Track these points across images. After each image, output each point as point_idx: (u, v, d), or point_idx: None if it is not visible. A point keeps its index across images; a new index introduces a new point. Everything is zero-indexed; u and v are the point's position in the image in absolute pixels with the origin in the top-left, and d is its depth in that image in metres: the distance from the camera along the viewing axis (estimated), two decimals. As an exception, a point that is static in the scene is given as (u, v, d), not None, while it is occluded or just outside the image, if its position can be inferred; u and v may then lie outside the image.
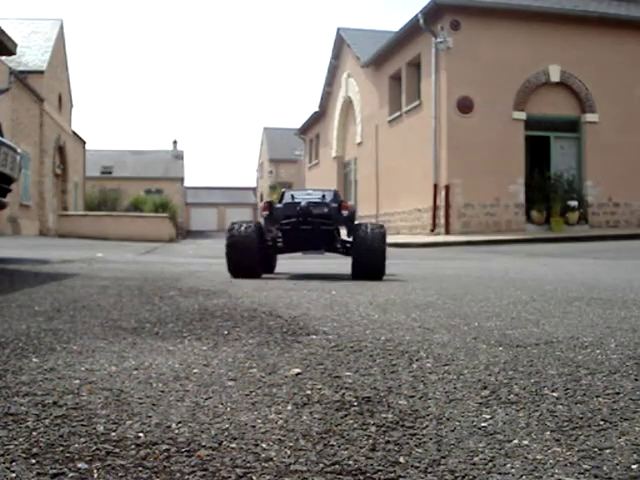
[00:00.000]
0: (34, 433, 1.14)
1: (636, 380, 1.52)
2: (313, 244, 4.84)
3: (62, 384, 1.45)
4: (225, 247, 4.53)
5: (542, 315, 2.54)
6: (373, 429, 1.20)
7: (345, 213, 4.71)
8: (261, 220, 4.93)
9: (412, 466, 1.04)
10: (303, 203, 4.64)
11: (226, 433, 1.16)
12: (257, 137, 78.41)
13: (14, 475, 0.96)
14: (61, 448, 1.08)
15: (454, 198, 15.85)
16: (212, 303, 2.86)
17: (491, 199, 16.02)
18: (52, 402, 1.31)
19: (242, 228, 4.55)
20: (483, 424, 1.22)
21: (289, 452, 1.08)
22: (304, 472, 1.01)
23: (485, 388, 1.46)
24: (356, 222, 4.80)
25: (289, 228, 4.68)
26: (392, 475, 1.00)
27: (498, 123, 16.02)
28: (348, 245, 4.78)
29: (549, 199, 16.22)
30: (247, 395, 1.40)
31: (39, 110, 22.58)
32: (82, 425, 1.19)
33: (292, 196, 4.86)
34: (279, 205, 4.81)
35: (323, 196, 4.78)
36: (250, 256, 4.50)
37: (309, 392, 1.43)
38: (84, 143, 31.96)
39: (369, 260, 4.47)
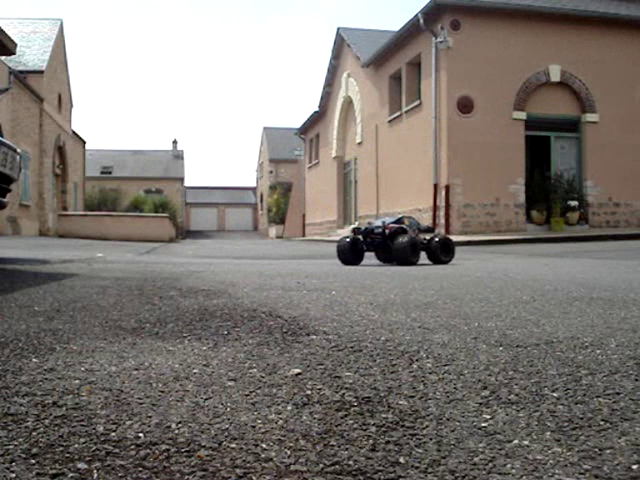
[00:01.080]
0: (34, 433, 1.14)
1: (636, 380, 1.52)
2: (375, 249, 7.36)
3: (62, 384, 1.45)
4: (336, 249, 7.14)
5: (542, 315, 2.54)
6: (373, 429, 1.20)
7: (387, 232, 6.93)
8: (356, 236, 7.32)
9: (412, 466, 1.04)
10: (369, 226, 7.26)
11: (226, 433, 1.16)
12: (257, 137, 78.45)
13: (14, 475, 0.96)
14: (61, 448, 1.07)
15: (454, 198, 15.85)
16: (212, 303, 2.86)
17: (491, 199, 16.03)
18: (52, 402, 1.31)
19: (345, 239, 7.14)
20: (483, 424, 1.22)
21: (289, 452, 1.08)
22: (304, 472, 1.01)
23: (485, 388, 1.46)
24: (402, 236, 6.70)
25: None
26: (392, 475, 1.00)
27: (498, 123, 16.03)
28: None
29: (549, 199, 16.23)
30: (247, 395, 1.40)
31: (39, 110, 22.59)
32: (82, 425, 1.18)
33: (368, 222, 7.50)
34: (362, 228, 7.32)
35: (383, 222, 7.13)
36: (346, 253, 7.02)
37: (309, 392, 1.43)
38: (84, 143, 31.98)
39: (398, 256, 6.65)
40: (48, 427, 1.17)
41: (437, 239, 6.93)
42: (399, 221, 7.13)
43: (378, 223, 7.22)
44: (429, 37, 16.35)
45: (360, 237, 7.15)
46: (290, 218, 35.42)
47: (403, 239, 6.58)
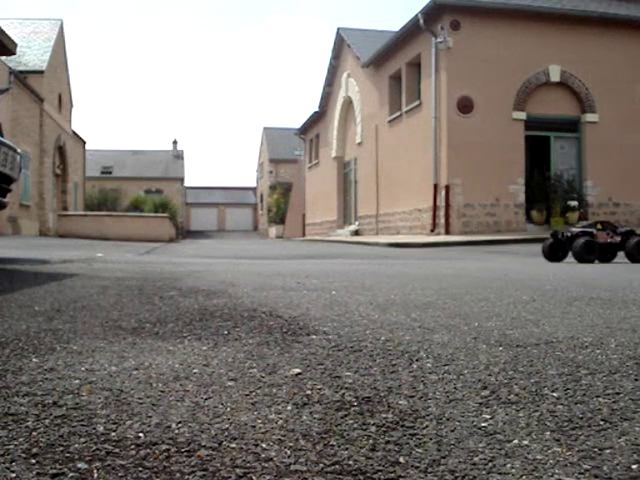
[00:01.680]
0: (34, 433, 1.14)
1: (636, 380, 1.52)
2: None
3: (62, 384, 1.45)
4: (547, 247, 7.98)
5: (542, 315, 2.54)
6: (373, 429, 1.20)
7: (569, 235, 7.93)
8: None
9: (412, 466, 1.04)
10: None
11: (226, 433, 1.16)
12: (257, 137, 78.44)
13: (14, 475, 0.96)
14: (61, 448, 1.08)
15: (454, 198, 15.85)
16: (212, 303, 2.86)
17: (491, 199, 16.03)
18: (52, 402, 1.31)
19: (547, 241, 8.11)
20: (483, 424, 1.22)
21: (289, 452, 1.08)
22: (304, 472, 1.01)
23: (485, 388, 1.46)
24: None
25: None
26: (392, 475, 1.00)
27: (498, 123, 16.03)
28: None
29: (549, 199, 16.23)
30: (247, 395, 1.40)
31: (39, 110, 22.59)
32: (82, 425, 1.19)
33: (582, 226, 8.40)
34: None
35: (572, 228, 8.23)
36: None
37: (309, 392, 1.43)
38: (84, 143, 31.97)
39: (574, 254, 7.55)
40: (48, 427, 1.17)
41: (635, 240, 7.77)
42: (589, 226, 8.11)
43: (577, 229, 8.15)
44: (429, 37, 16.35)
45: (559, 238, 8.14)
46: (290, 218, 35.42)
47: (579, 241, 7.55)
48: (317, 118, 28.62)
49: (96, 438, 1.12)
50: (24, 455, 1.04)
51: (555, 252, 7.90)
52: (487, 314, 2.58)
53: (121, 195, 40.42)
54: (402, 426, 1.22)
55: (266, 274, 4.76)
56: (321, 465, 1.03)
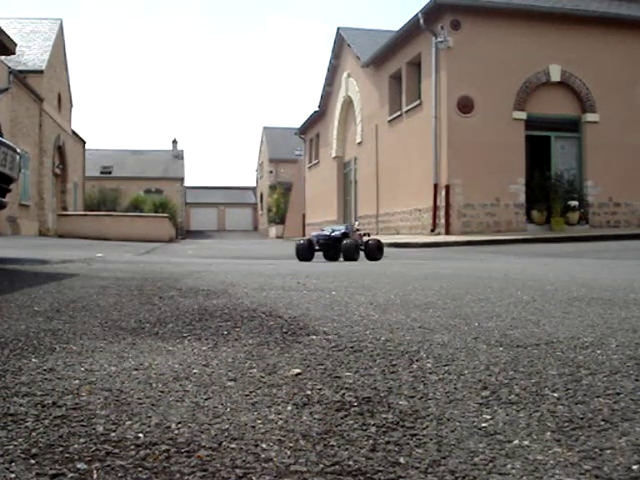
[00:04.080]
0: (33, 433, 1.14)
1: (637, 380, 1.52)
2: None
3: (61, 384, 1.45)
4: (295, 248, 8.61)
5: (543, 315, 2.54)
6: (373, 429, 1.20)
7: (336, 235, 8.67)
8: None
9: (412, 466, 1.03)
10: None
11: (226, 433, 1.16)
12: (257, 137, 78.41)
13: (13, 475, 0.96)
14: (60, 448, 1.07)
15: (454, 198, 15.85)
16: (212, 303, 2.86)
17: (491, 199, 16.02)
18: (51, 402, 1.31)
19: (301, 242, 8.77)
20: (483, 424, 1.22)
21: (289, 452, 1.08)
22: (304, 472, 1.00)
23: (485, 388, 1.46)
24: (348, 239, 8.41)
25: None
26: (392, 476, 1.00)
27: (498, 123, 16.02)
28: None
29: (549, 199, 16.22)
30: (247, 395, 1.39)
31: (38, 110, 22.58)
32: (81, 425, 1.18)
33: (321, 229, 9.12)
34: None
35: (332, 229, 8.88)
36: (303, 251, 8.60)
37: (309, 392, 1.42)
38: (84, 143, 31.96)
39: (345, 254, 8.20)
40: (48, 427, 1.17)
41: (371, 241, 8.68)
42: (346, 229, 8.97)
43: (326, 231, 8.99)
44: (429, 37, 16.34)
45: (314, 240, 8.88)
46: (290, 218, 35.42)
47: (349, 241, 8.37)
48: (317, 118, 28.61)
49: (96, 438, 1.12)
50: (23, 455, 1.04)
51: (309, 252, 8.56)
52: (487, 314, 2.57)
53: (121, 195, 40.40)
54: (402, 426, 1.21)
55: (266, 274, 4.76)
56: (321, 465, 1.03)
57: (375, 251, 8.56)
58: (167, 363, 1.68)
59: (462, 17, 15.93)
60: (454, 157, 15.81)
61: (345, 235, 8.63)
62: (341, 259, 8.51)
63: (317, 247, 8.74)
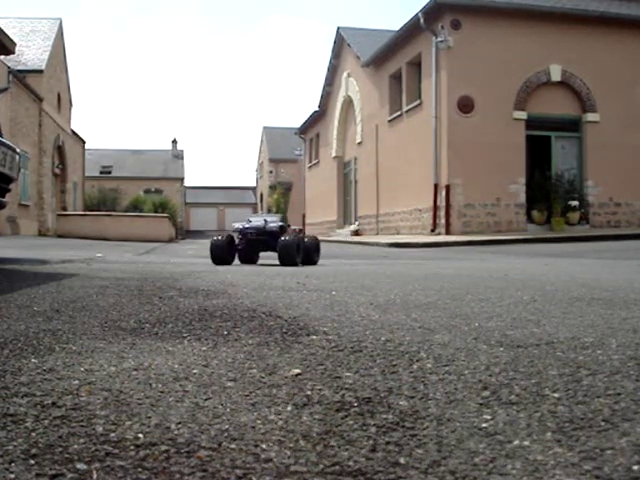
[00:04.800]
0: (33, 434, 1.14)
1: (637, 381, 1.52)
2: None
3: (61, 385, 1.45)
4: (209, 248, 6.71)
5: (543, 315, 2.54)
6: (373, 430, 1.19)
7: (273, 229, 6.74)
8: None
9: (412, 467, 1.03)
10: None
11: (226, 434, 1.16)
12: (257, 137, 78.40)
13: (13, 476, 0.96)
14: (60, 449, 1.07)
15: (454, 198, 15.85)
16: (212, 303, 2.86)
17: (492, 199, 16.02)
18: (51, 403, 1.31)
19: (219, 237, 6.76)
20: (484, 425, 1.22)
21: (289, 453, 1.08)
22: (304, 473, 1.00)
23: (486, 389, 1.46)
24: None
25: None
26: (392, 476, 1.00)
27: (499, 123, 16.02)
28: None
29: (550, 199, 16.22)
30: (247, 396, 1.39)
31: (38, 110, 22.58)
32: (81, 426, 1.18)
33: (248, 220, 7.05)
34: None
35: (265, 220, 6.81)
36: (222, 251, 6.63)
37: (309, 393, 1.42)
38: (83, 143, 31.96)
39: (285, 255, 6.24)
40: (47, 428, 1.17)
41: (308, 240, 6.73)
42: (281, 221, 6.96)
43: (258, 222, 6.84)
44: (429, 37, 16.34)
45: (236, 236, 6.81)
46: (290, 218, 35.42)
47: (288, 237, 6.27)
48: (317, 118, 28.62)
49: (95, 439, 1.12)
50: (23, 456, 1.04)
51: (229, 252, 6.70)
52: (488, 314, 2.57)
53: (120, 195, 40.41)
54: (402, 427, 1.21)
55: (266, 274, 4.76)
56: (321, 466, 1.03)
57: (312, 252, 6.67)
58: (167, 363, 1.67)
59: (462, 17, 15.93)
60: (454, 157, 15.81)
61: (282, 229, 6.71)
62: (268, 261, 6.84)
63: (240, 244, 6.74)
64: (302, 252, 6.41)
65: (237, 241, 6.79)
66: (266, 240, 6.63)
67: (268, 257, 7.08)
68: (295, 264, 6.12)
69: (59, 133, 25.60)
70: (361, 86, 22.51)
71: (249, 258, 6.98)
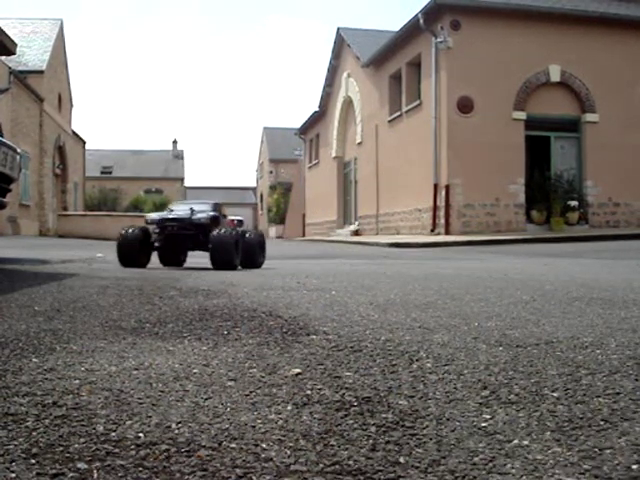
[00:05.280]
0: (34, 433, 1.14)
1: (636, 380, 1.52)
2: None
3: (62, 384, 1.45)
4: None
5: (542, 315, 2.54)
6: (373, 429, 1.20)
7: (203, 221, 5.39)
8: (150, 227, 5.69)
9: (412, 466, 1.04)
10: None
11: (226, 433, 1.16)
12: (257, 137, 78.37)
13: (14, 475, 0.96)
14: (61, 448, 1.07)
15: (454, 198, 15.84)
16: (212, 303, 2.86)
17: (491, 199, 16.01)
18: (52, 402, 1.31)
19: (130, 231, 5.38)
20: (483, 424, 1.22)
21: (289, 452, 1.08)
22: (304, 472, 1.01)
23: (485, 388, 1.46)
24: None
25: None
26: (392, 475, 1.00)
27: (498, 123, 16.01)
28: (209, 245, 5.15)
29: (549, 199, 16.21)
30: (247, 395, 1.40)
31: (39, 110, 22.58)
32: (82, 425, 1.18)
33: (169, 209, 5.90)
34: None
35: (191, 209, 5.49)
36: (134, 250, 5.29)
37: (309, 392, 1.43)
38: (84, 143, 31.95)
39: (219, 256, 5.04)
40: (48, 427, 1.17)
41: (250, 235, 5.36)
42: (214, 209, 5.46)
43: (183, 210, 5.38)
44: (429, 37, 16.34)
45: (152, 229, 5.36)
46: (290, 218, 35.41)
47: (223, 232, 4.92)
48: (317, 118, 28.60)
49: (96, 438, 1.12)
50: (24, 455, 1.04)
51: (142, 250, 5.35)
52: (487, 314, 2.58)
53: (121, 195, 40.41)
54: (402, 426, 1.22)
55: (266, 274, 4.76)
56: (321, 465, 1.03)
57: (255, 252, 5.30)
58: (167, 363, 1.68)
59: (462, 17, 15.93)
60: (454, 157, 15.81)
61: (215, 221, 5.30)
62: (200, 260, 5.55)
63: (157, 241, 5.32)
64: (241, 251, 5.13)
65: (154, 237, 5.36)
66: (193, 235, 5.22)
67: (200, 256, 5.79)
68: (232, 267, 4.94)
69: (60, 133, 25.60)
70: (361, 86, 22.50)
71: (172, 258, 5.64)
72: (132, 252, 5.19)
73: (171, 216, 5.34)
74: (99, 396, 1.36)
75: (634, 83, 16.91)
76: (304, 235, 31.13)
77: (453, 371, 1.61)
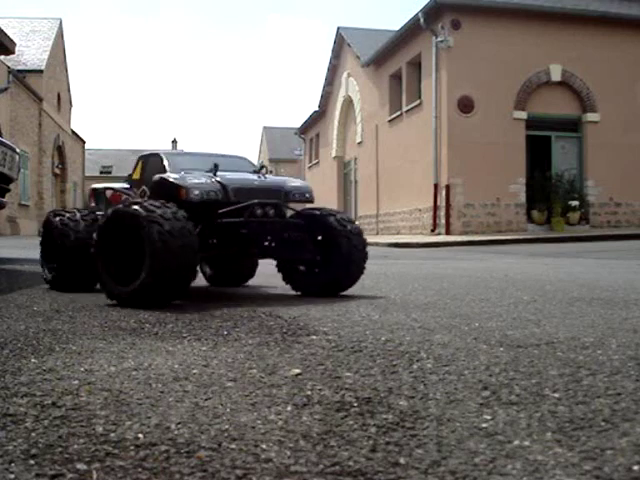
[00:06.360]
0: (33, 434, 1.13)
1: (637, 381, 1.51)
2: None
3: (61, 385, 1.45)
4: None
5: (543, 315, 2.54)
6: (373, 430, 1.19)
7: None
8: None
9: (412, 467, 1.03)
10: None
11: (226, 434, 1.16)
12: (257, 136, 78.35)
13: (13, 476, 0.96)
14: (60, 449, 1.07)
15: (455, 198, 15.83)
16: (212, 303, 2.86)
17: (492, 199, 16.00)
18: (51, 403, 1.31)
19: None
20: (484, 425, 1.22)
21: (289, 453, 1.08)
22: (304, 473, 1.00)
23: (486, 389, 1.46)
24: None
25: None
26: (392, 476, 1.00)
27: (499, 123, 16.00)
28: None
29: (550, 199, 16.20)
30: (247, 396, 1.39)
31: (38, 110, 22.57)
32: (81, 426, 1.18)
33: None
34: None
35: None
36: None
37: (309, 393, 1.42)
38: (83, 142, 31.95)
39: None
40: (47, 428, 1.17)
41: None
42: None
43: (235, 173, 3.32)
44: (429, 36, 16.33)
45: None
46: (290, 218, 35.37)
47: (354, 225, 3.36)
48: (317, 118, 28.58)
49: (95, 439, 1.12)
50: (23, 456, 1.04)
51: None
52: (488, 314, 2.57)
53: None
54: (402, 427, 1.21)
55: (266, 274, 4.76)
56: (321, 466, 1.03)
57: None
58: (167, 363, 1.67)
59: (462, 17, 15.91)
60: (454, 157, 15.80)
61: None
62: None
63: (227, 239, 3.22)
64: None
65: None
66: (308, 231, 3.42)
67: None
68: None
69: (59, 133, 25.59)
70: (361, 86, 22.50)
71: (227, 270, 3.99)
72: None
73: (257, 184, 3.10)
74: (98, 397, 1.36)
75: (635, 82, 16.90)
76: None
77: (454, 371, 1.61)
